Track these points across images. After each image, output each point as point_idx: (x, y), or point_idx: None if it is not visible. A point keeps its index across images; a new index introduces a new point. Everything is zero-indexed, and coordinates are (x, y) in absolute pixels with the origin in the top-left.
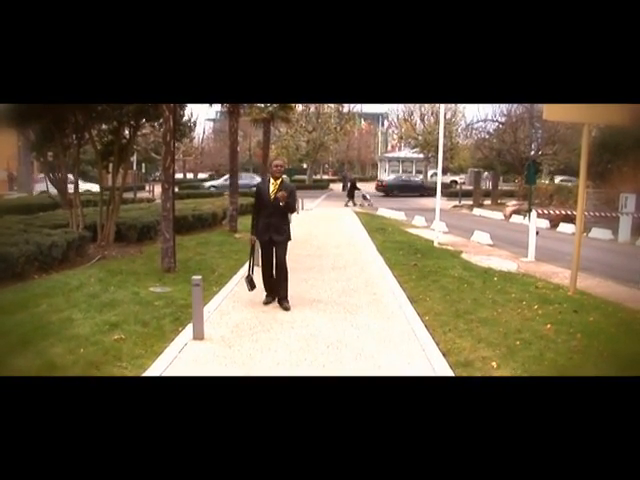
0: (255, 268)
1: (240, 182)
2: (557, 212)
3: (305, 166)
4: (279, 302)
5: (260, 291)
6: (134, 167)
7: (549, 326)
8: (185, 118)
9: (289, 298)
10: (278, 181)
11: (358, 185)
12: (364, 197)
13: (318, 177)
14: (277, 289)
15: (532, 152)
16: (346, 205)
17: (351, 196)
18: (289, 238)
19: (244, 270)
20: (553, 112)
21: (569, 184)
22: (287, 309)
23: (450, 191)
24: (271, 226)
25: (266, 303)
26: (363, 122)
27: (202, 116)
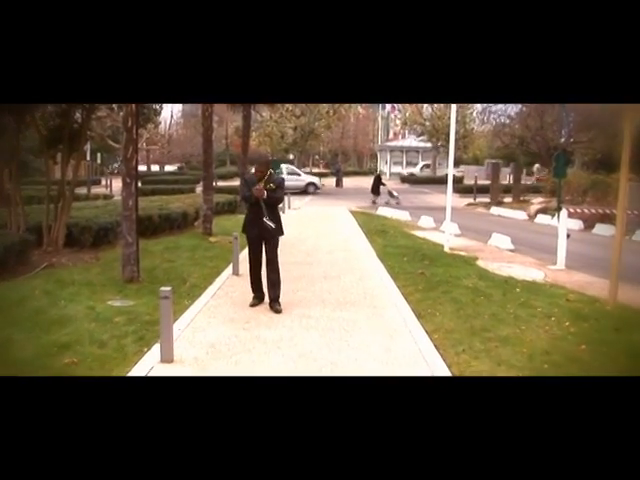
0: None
1: None
2: (592, 211)
3: (292, 157)
4: (270, 304)
5: (240, 306)
6: (88, 157)
7: (583, 347)
8: None
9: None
10: (265, 177)
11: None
12: (391, 194)
13: (307, 170)
14: (268, 290)
15: (562, 139)
16: (373, 202)
17: (376, 192)
18: (280, 233)
19: (220, 280)
20: None
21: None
22: (278, 312)
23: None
24: (259, 220)
25: (253, 305)
26: (360, 106)
27: None
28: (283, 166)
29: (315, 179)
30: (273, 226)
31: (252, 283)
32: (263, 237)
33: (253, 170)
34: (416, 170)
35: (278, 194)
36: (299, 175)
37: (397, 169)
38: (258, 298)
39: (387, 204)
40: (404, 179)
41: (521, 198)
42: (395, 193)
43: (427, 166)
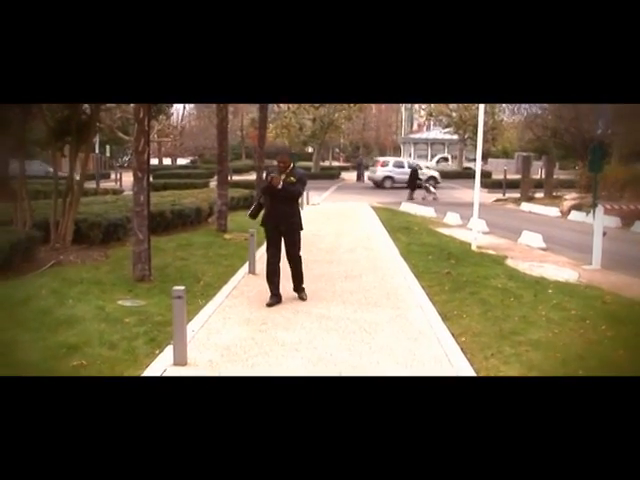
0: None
1: None
2: (631, 207)
3: (311, 150)
4: (295, 291)
5: (256, 307)
6: (96, 150)
7: (621, 352)
8: None
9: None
10: (287, 170)
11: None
12: (427, 189)
13: (327, 164)
14: (293, 280)
15: (599, 130)
16: (409, 198)
17: (413, 187)
18: (300, 228)
19: (236, 279)
20: None
21: None
22: (304, 299)
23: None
24: (279, 213)
25: (270, 305)
26: None
27: None
28: (405, 161)
29: (436, 173)
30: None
31: (268, 279)
32: (281, 230)
33: (279, 161)
34: (432, 163)
35: (296, 187)
36: (420, 169)
37: (422, 162)
38: (276, 296)
39: (424, 199)
40: None
41: (554, 193)
42: (432, 189)
43: (444, 159)
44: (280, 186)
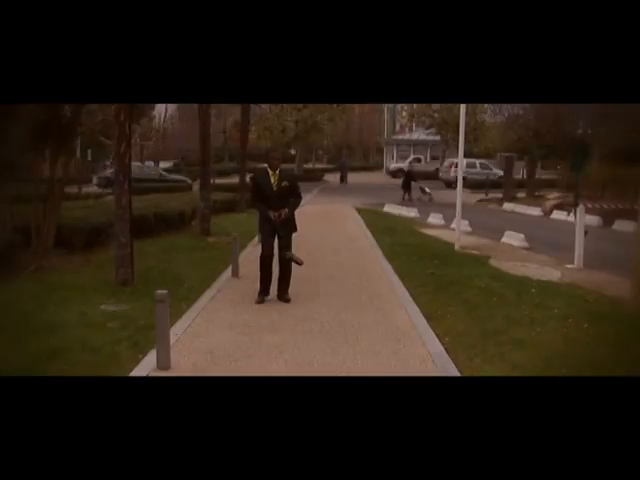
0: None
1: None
2: (612, 206)
3: (294, 152)
4: (279, 296)
5: (240, 310)
6: (78, 154)
7: (604, 350)
8: None
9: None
10: (277, 171)
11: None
12: (423, 190)
13: (310, 166)
14: (278, 283)
15: (580, 131)
16: (403, 199)
17: (407, 189)
18: (294, 230)
19: (219, 283)
20: None
21: None
22: (288, 301)
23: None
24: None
25: (259, 302)
26: None
27: None
28: (477, 161)
29: (501, 173)
30: (299, 263)
31: (261, 279)
32: (277, 235)
33: (272, 156)
34: (405, 164)
35: (294, 198)
36: (490, 170)
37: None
38: (265, 290)
39: (419, 200)
40: (394, 174)
41: (536, 193)
42: (427, 190)
43: (417, 160)
44: (284, 216)
